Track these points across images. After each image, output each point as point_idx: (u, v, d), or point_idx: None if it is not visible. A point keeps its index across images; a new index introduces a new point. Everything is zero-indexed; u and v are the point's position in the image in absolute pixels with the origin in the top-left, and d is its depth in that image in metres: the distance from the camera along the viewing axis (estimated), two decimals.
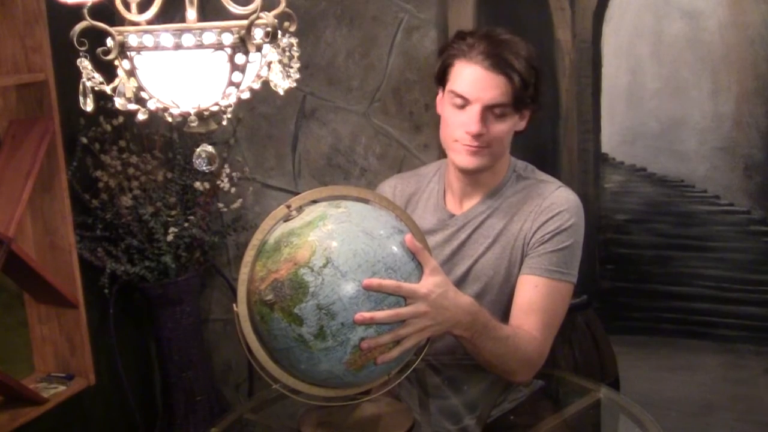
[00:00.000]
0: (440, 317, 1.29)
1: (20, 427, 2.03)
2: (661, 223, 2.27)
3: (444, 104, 1.58)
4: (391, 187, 1.75)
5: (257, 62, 1.00)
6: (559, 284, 1.54)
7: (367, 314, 1.18)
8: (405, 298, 1.23)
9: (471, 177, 1.61)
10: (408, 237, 1.27)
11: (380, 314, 1.19)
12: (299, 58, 1.07)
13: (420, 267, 1.28)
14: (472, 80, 1.51)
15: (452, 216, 1.65)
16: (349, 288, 1.18)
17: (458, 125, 1.53)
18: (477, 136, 1.52)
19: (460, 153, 1.55)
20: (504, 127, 1.54)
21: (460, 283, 1.58)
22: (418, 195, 1.72)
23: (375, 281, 1.19)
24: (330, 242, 1.20)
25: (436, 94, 1.64)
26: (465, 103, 1.52)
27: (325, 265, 1.18)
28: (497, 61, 1.50)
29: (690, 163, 2.21)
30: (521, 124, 1.59)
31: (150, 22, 0.98)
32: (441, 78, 1.59)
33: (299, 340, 1.19)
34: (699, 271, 2.25)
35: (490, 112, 1.52)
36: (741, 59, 2.10)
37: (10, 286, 2.17)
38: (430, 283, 1.27)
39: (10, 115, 2.09)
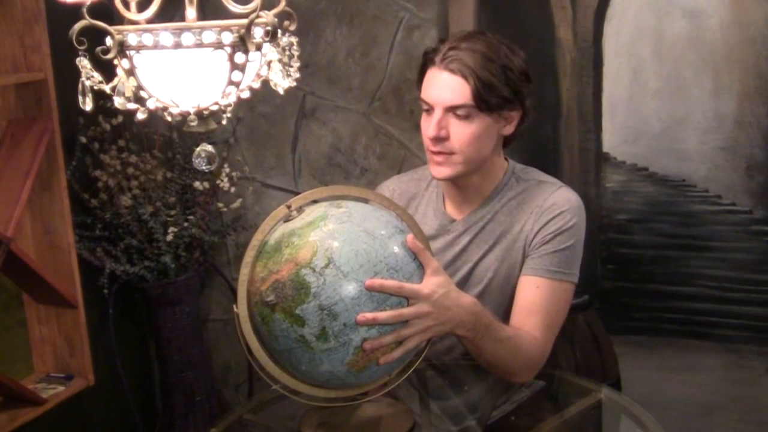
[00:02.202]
0: (443, 317, 1.28)
1: (19, 428, 2.03)
2: (663, 223, 2.27)
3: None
4: (390, 190, 1.73)
5: (257, 61, 0.99)
6: (560, 284, 1.53)
7: (369, 315, 1.18)
8: (407, 298, 1.23)
9: (456, 185, 1.60)
10: (410, 237, 1.26)
11: (383, 315, 1.19)
12: (299, 57, 1.07)
13: (422, 267, 1.27)
14: (432, 85, 1.51)
15: (453, 221, 1.63)
16: (351, 288, 1.17)
17: (424, 133, 1.54)
18: (436, 141, 1.50)
19: (432, 164, 1.55)
20: (470, 130, 1.50)
21: (460, 286, 1.57)
22: (417, 199, 1.70)
23: (377, 282, 1.18)
24: (331, 242, 1.19)
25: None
26: (429, 108, 1.52)
27: (326, 266, 1.17)
28: (451, 62, 1.49)
29: (691, 163, 2.20)
30: (507, 128, 1.57)
31: (149, 21, 0.97)
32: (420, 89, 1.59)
33: (301, 341, 1.18)
34: (701, 271, 2.25)
35: (452, 114, 1.50)
36: (743, 58, 2.10)
37: (9, 286, 2.17)
38: (432, 283, 1.26)
39: (9, 114, 2.08)
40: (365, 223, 1.23)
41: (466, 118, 1.50)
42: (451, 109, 1.50)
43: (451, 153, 1.52)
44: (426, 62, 1.55)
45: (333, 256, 1.18)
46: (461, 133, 1.51)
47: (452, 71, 1.49)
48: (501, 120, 1.54)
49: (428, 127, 1.51)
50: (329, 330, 1.17)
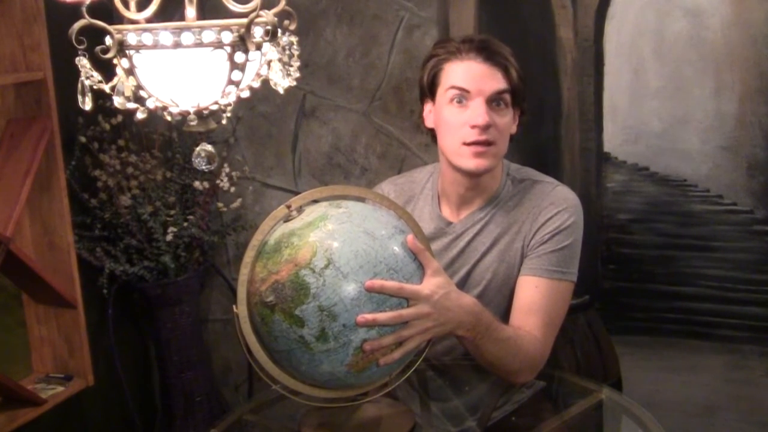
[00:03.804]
0: (443, 318, 1.28)
1: (18, 428, 2.02)
2: (664, 223, 2.26)
3: (441, 108, 1.56)
4: (385, 193, 1.72)
5: (257, 61, 0.99)
6: (559, 284, 1.53)
7: (369, 316, 1.17)
8: (407, 299, 1.22)
9: (472, 183, 1.59)
10: (409, 237, 1.26)
11: (382, 316, 1.19)
12: (299, 56, 1.07)
13: (422, 267, 1.27)
14: (471, 75, 1.51)
15: (450, 224, 1.63)
16: (350, 289, 1.17)
17: (462, 123, 1.51)
18: (485, 128, 1.50)
19: (467, 157, 1.53)
20: (506, 120, 1.53)
21: (459, 287, 1.55)
22: (413, 202, 1.70)
23: (377, 283, 1.18)
24: (331, 243, 1.19)
25: (421, 110, 1.62)
26: (465, 98, 1.51)
27: (326, 266, 1.17)
28: (491, 55, 1.51)
29: (693, 163, 2.20)
30: (514, 127, 1.58)
31: (149, 21, 0.97)
32: (431, 87, 1.57)
33: (300, 342, 1.18)
34: (702, 271, 2.25)
35: (491, 105, 1.51)
36: (744, 58, 2.09)
37: (8, 287, 2.16)
38: (432, 284, 1.26)
39: (8, 114, 2.08)
40: (365, 224, 1.23)
41: (503, 108, 1.53)
42: (493, 98, 1.51)
43: (493, 143, 1.52)
44: (440, 60, 1.55)
45: (333, 256, 1.18)
46: (500, 122, 1.52)
47: (487, 61, 1.51)
48: (514, 117, 1.57)
49: (473, 116, 1.50)
50: (329, 331, 1.17)
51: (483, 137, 1.50)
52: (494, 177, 1.60)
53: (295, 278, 1.17)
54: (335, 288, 1.16)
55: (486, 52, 1.51)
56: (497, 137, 1.52)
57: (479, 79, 1.50)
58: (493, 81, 1.50)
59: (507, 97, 1.52)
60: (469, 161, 1.53)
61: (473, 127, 1.50)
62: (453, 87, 1.52)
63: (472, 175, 1.57)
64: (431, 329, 1.27)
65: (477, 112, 1.50)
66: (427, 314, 1.25)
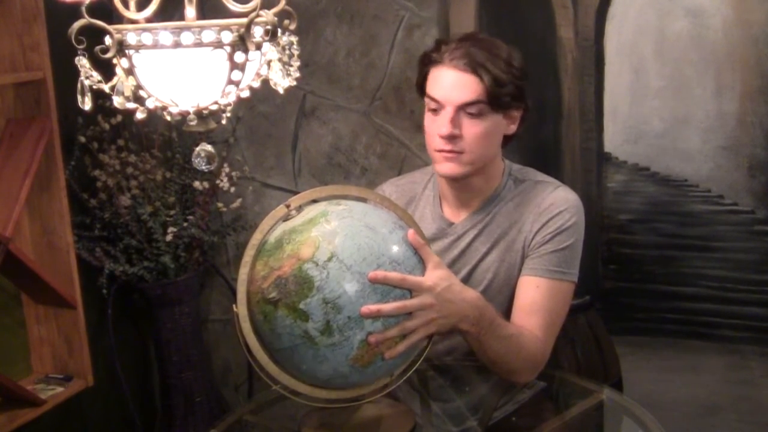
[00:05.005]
0: (446, 310, 1.28)
1: (18, 429, 2.02)
2: (665, 223, 2.26)
3: (424, 114, 1.57)
4: (386, 194, 1.71)
5: (257, 60, 0.99)
6: (560, 284, 1.53)
7: (373, 307, 1.18)
8: (410, 290, 1.23)
9: (461, 185, 1.59)
10: (410, 232, 1.27)
11: (387, 306, 1.19)
12: (299, 56, 1.07)
13: (423, 262, 1.28)
14: (444, 83, 1.50)
15: (451, 224, 1.63)
16: (354, 281, 1.17)
17: (434, 132, 1.52)
18: (449, 139, 1.49)
19: (439, 162, 1.54)
20: (480, 129, 1.50)
21: None
22: (414, 203, 1.70)
23: (380, 273, 1.19)
24: (333, 237, 1.20)
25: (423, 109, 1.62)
26: (438, 107, 1.51)
27: (329, 259, 1.17)
28: (467, 61, 1.48)
29: (693, 163, 2.20)
30: (511, 128, 1.57)
31: (149, 20, 0.97)
32: (421, 89, 1.57)
33: (305, 337, 1.18)
34: (702, 272, 2.24)
35: (463, 113, 1.50)
36: (745, 57, 2.09)
37: (7, 287, 2.16)
38: (434, 276, 1.27)
39: (8, 113, 2.08)
40: (366, 219, 1.24)
41: (478, 116, 1.50)
42: (464, 107, 1.49)
43: (461, 152, 1.51)
44: (428, 62, 1.54)
45: (335, 250, 1.18)
46: (473, 131, 1.50)
47: (464, 69, 1.48)
48: (507, 119, 1.55)
49: (439, 125, 1.50)
50: (333, 324, 1.17)
51: (448, 147, 1.50)
52: (489, 178, 1.60)
53: (298, 272, 1.17)
54: (339, 280, 1.17)
55: (463, 58, 1.49)
56: (465, 146, 1.51)
57: (450, 89, 1.49)
58: (464, 91, 1.48)
59: (481, 106, 1.49)
60: (442, 166, 1.54)
61: (440, 136, 1.50)
62: (427, 96, 1.53)
63: (451, 180, 1.57)
64: (435, 321, 1.27)
65: (442, 122, 1.50)
66: (431, 305, 1.25)
